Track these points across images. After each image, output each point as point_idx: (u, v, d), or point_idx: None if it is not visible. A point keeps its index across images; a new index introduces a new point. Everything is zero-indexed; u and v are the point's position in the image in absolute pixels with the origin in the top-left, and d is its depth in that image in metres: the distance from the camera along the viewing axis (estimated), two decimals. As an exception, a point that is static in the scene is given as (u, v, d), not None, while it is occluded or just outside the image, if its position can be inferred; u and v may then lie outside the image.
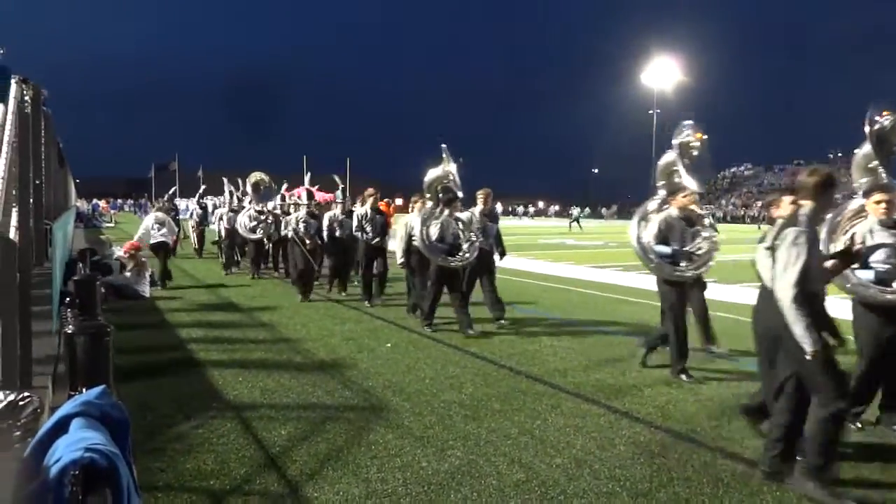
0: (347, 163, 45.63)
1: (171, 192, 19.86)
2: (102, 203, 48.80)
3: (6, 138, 3.87)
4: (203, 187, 20.59)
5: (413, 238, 8.03)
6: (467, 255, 7.48)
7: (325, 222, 10.32)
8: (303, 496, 3.41)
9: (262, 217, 12.83)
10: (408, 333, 7.61)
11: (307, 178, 15.62)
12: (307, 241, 10.33)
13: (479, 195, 8.19)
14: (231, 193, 15.20)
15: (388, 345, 6.98)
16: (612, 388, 5.42)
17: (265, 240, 13.13)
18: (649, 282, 12.86)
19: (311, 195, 13.45)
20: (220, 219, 14.56)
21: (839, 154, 74.27)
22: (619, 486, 3.57)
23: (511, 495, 3.45)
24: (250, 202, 13.26)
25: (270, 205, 13.79)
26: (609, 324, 8.34)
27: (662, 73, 53.17)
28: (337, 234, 10.27)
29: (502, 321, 7.98)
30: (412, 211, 8.92)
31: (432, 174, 7.57)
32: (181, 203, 31.12)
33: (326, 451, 4.00)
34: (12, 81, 4.89)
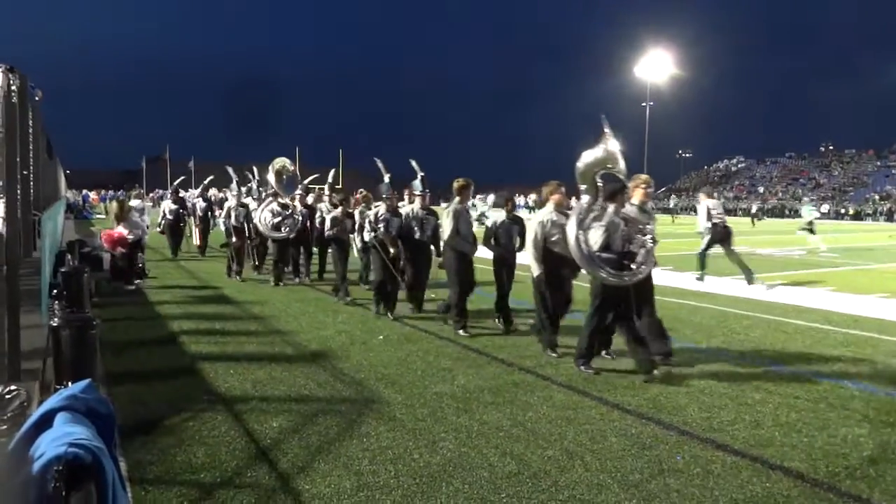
0: (340, 154, 45.46)
1: (176, 182, 17.23)
2: (93, 194, 48.46)
3: (-8, 128, 3.82)
4: (211, 178, 17.89)
5: (551, 244, 6.25)
6: (643, 266, 5.53)
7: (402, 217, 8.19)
8: (294, 489, 3.40)
9: (288, 212, 10.81)
10: (400, 326, 7.59)
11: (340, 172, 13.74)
12: (391, 249, 8.08)
13: (637, 185, 5.97)
14: (238, 185, 12.80)
15: (381, 337, 6.97)
16: (604, 380, 5.43)
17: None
18: (678, 279, 12.91)
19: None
20: (227, 216, 12.07)
21: (831, 147, 74.65)
22: (610, 478, 3.58)
23: (503, 487, 3.45)
24: (273, 194, 11.08)
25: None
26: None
27: (656, 66, 53.10)
28: (417, 235, 8.09)
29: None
30: (524, 205, 7.78)
31: (589, 157, 5.46)
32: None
33: (318, 444, 3.99)
34: (-1, 71, 4.82)
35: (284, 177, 11.09)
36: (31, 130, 6.90)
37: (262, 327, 7.48)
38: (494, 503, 3.28)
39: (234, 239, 11.81)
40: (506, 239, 7.34)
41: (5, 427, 2.60)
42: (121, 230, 10.03)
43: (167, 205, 15.45)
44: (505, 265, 7.43)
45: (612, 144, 5.36)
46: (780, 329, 7.60)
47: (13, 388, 2.76)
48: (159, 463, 3.67)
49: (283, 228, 10.68)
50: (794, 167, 73.53)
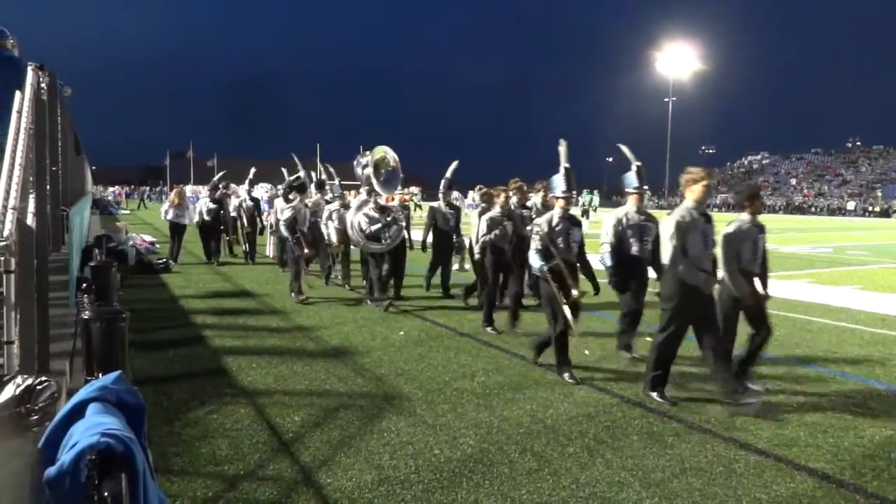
0: (360, 150, 45.56)
1: (216, 178, 14.21)
2: (118, 189, 49.60)
3: (23, 125, 3.89)
4: (253, 170, 14.88)
5: None
6: None
7: (610, 225, 5.93)
8: (316, 482, 3.43)
9: (389, 217, 8.50)
10: (420, 321, 7.61)
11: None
12: (573, 290, 5.32)
13: None
14: (310, 178, 10.17)
15: (401, 332, 6.99)
16: (625, 378, 5.39)
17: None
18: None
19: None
20: (281, 218, 9.68)
21: (858, 143, 73.27)
22: (631, 476, 3.56)
23: (523, 483, 3.45)
24: (369, 192, 8.72)
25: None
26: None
27: (678, 61, 52.49)
28: (633, 250, 5.86)
29: None
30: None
31: None
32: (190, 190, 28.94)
33: (339, 438, 4.02)
34: (28, 69, 4.92)
35: (383, 171, 8.67)
36: (59, 126, 7.02)
37: (284, 322, 7.55)
38: (515, 499, 3.28)
39: (304, 250, 9.23)
40: (699, 251, 4.67)
41: (36, 418, 2.65)
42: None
43: (204, 203, 13.30)
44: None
45: None
46: (805, 328, 7.49)
47: (44, 379, 2.81)
48: (184, 455, 3.73)
49: (383, 239, 8.39)
50: (820, 163, 72.33)
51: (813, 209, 54.24)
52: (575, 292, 5.29)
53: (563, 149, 5.77)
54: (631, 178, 6.06)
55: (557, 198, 5.61)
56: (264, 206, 15.93)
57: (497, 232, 6.89)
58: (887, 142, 69.29)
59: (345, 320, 7.63)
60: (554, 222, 5.48)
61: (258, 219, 14.12)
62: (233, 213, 14.17)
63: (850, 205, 51.55)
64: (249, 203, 13.87)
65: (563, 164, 5.66)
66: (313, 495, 3.29)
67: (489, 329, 7.07)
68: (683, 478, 3.55)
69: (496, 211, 7.11)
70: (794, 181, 66.47)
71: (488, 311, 7.17)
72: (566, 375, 5.32)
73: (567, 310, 5.25)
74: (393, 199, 9.20)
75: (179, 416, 4.33)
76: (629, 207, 5.97)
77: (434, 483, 3.44)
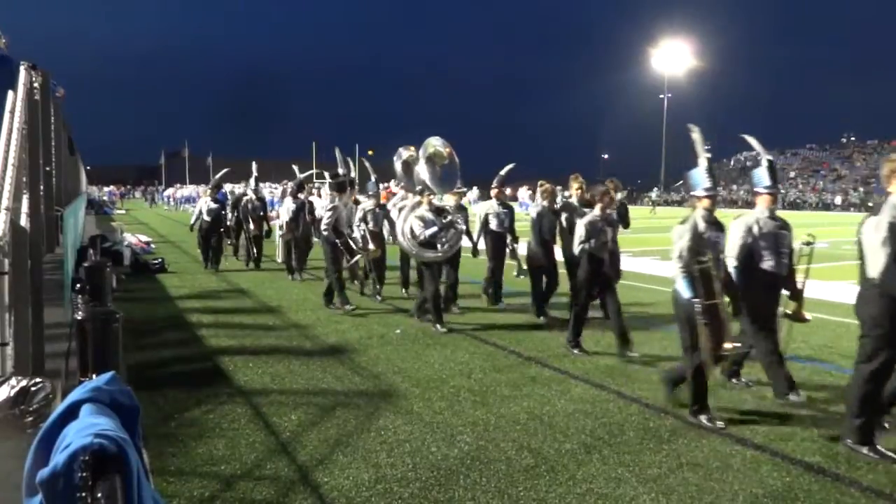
0: (356, 148, 45.48)
1: (218, 176, 13.35)
2: (113, 189, 49.63)
3: (15, 125, 3.88)
4: (255, 165, 13.40)
5: None
6: None
7: (739, 235, 4.76)
8: (313, 481, 3.43)
9: (446, 220, 7.36)
10: (417, 321, 7.60)
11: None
12: (725, 316, 4.32)
13: None
14: (324, 178, 9.71)
15: (398, 331, 6.99)
16: (622, 374, 5.40)
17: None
18: (659, 267, 12.82)
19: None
20: (319, 222, 8.83)
21: (853, 138, 73.51)
22: (628, 472, 3.56)
23: (520, 480, 3.45)
24: (423, 192, 7.51)
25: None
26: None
27: (673, 58, 52.58)
28: (769, 265, 4.85)
29: None
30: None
31: None
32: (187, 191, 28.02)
33: (336, 437, 4.02)
34: (21, 68, 4.90)
35: (438, 166, 7.53)
36: (53, 126, 7.00)
37: (280, 321, 7.54)
38: (512, 496, 3.29)
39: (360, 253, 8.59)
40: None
41: (31, 419, 2.64)
42: None
43: (205, 202, 12.37)
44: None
45: None
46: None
47: (38, 380, 2.80)
48: (180, 455, 3.72)
49: (440, 244, 7.30)
50: (814, 158, 72.52)
51: (807, 204, 54.40)
52: (728, 345, 4.23)
53: (696, 136, 4.76)
54: (761, 176, 4.86)
55: (701, 197, 4.55)
56: (274, 205, 15.45)
57: (595, 241, 5.88)
58: (882, 137, 69.53)
59: (341, 318, 7.62)
60: (701, 228, 4.38)
61: (265, 220, 12.62)
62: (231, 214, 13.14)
63: (837, 199, 51.70)
64: (256, 203, 12.49)
65: (703, 154, 4.64)
66: (310, 494, 3.29)
67: (576, 351, 6.01)
68: (680, 473, 3.56)
69: (595, 214, 6.02)
70: (791, 175, 66.66)
71: (576, 329, 6.10)
72: (704, 417, 4.30)
73: (709, 350, 4.20)
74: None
75: (175, 417, 4.32)
76: (761, 211, 4.82)
77: (431, 481, 3.44)
